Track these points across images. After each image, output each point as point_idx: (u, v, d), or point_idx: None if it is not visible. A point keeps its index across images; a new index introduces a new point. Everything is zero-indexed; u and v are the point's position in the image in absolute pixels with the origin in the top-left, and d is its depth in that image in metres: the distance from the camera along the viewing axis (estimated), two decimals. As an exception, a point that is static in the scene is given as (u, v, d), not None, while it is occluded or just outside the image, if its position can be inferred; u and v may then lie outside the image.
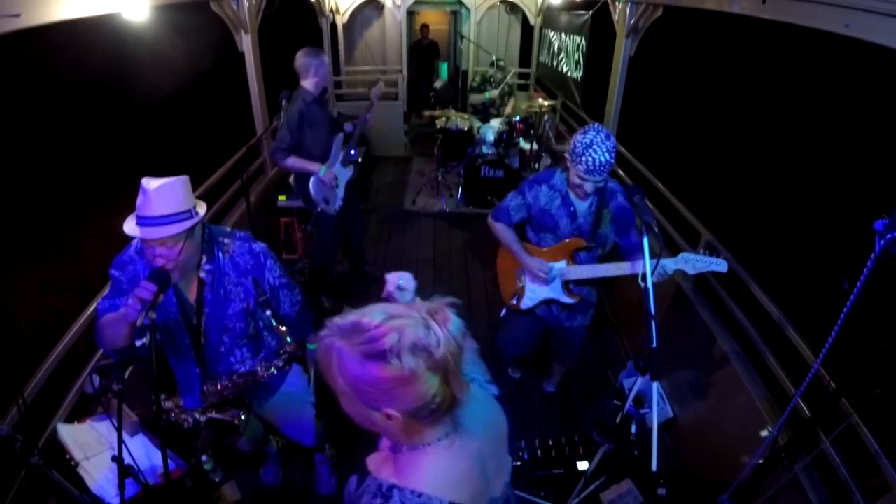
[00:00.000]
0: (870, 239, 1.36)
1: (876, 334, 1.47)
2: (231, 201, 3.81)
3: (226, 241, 1.71)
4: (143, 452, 1.84)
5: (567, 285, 2.33)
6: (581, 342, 2.68)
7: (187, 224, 1.50)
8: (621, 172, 4.16)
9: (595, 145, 1.90)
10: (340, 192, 3.46)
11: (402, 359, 0.77)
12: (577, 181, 2.02)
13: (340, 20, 6.86)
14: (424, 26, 8.22)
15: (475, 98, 6.25)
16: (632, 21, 3.88)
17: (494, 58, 6.11)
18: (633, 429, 2.09)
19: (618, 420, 1.86)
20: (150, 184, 1.46)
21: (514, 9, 7.53)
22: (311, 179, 3.24)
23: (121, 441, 1.36)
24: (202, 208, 1.60)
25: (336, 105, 6.94)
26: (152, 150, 3.37)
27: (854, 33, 1.78)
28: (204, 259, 1.66)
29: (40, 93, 2.54)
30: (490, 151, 5.39)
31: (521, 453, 2.68)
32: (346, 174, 3.49)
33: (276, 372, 1.87)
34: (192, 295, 1.69)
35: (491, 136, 5.39)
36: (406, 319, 0.80)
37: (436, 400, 0.82)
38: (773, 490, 1.94)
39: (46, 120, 2.56)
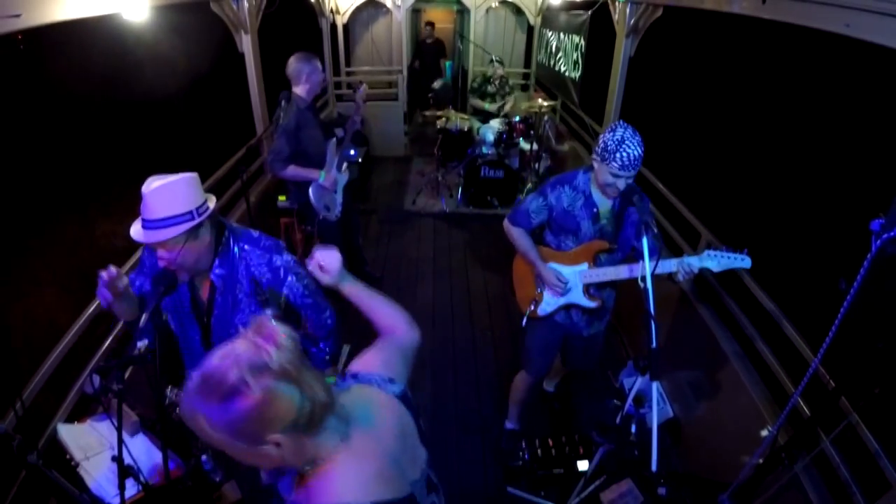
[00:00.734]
0: (867, 239, 1.36)
1: (873, 334, 1.47)
2: (231, 201, 3.81)
3: (246, 247, 1.64)
4: (143, 452, 1.84)
5: (587, 289, 2.26)
6: (600, 349, 2.62)
7: (184, 227, 1.45)
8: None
9: (627, 140, 1.90)
10: (339, 197, 3.45)
11: (251, 384, 0.79)
12: (611, 179, 1.98)
13: (340, 20, 6.86)
14: (429, 23, 7.96)
15: (475, 102, 6.26)
16: (632, 21, 3.88)
17: (493, 57, 6.11)
18: (633, 429, 2.08)
19: (618, 420, 1.86)
20: (150, 185, 1.43)
21: (515, 10, 7.54)
22: (312, 187, 3.20)
23: (121, 441, 1.36)
24: (212, 203, 1.55)
25: (336, 105, 6.95)
26: (154, 149, 3.37)
27: (854, 33, 1.78)
28: (217, 262, 1.61)
29: (41, 93, 2.54)
30: (490, 152, 5.39)
31: (521, 453, 2.68)
32: (342, 178, 3.48)
33: None
34: (205, 294, 1.67)
35: (491, 137, 5.40)
36: (237, 349, 0.83)
37: (306, 407, 0.84)
38: (773, 490, 1.94)
39: (49, 119, 2.57)
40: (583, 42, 5.19)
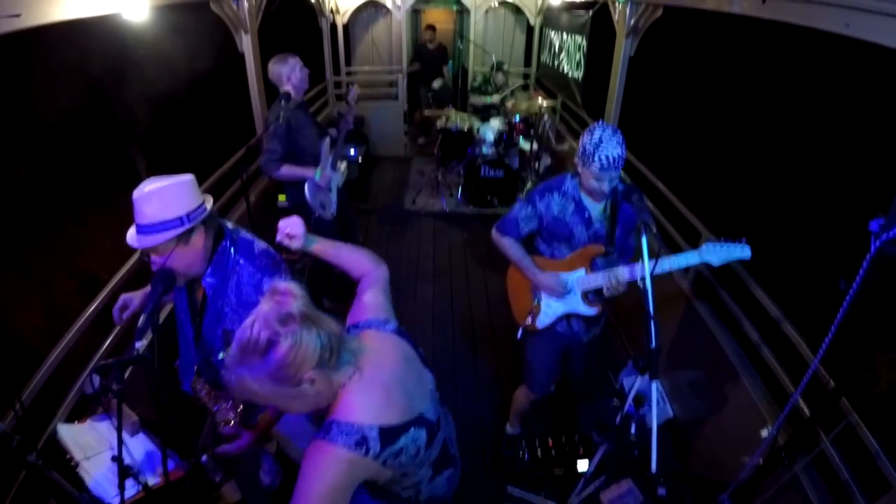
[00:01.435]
0: (866, 239, 1.36)
1: (873, 334, 1.47)
2: (231, 201, 3.81)
3: (241, 261, 1.58)
4: (143, 452, 1.84)
5: (586, 295, 2.19)
6: (590, 354, 2.57)
7: (172, 233, 1.42)
8: (622, 172, 4.16)
9: (604, 142, 1.86)
10: (334, 195, 3.45)
11: (282, 333, 0.97)
12: (594, 183, 1.95)
13: (340, 20, 6.86)
14: (431, 27, 7.36)
15: (476, 99, 6.25)
16: (632, 21, 3.88)
17: (495, 59, 6.11)
18: (633, 429, 2.08)
19: (618, 420, 1.86)
20: (141, 189, 1.41)
21: (515, 10, 7.53)
22: (307, 185, 3.19)
23: (121, 441, 1.36)
24: (209, 203, 1.52)
25: (336, 105, 6.95)
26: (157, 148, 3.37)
27: (854, 33, 1.78)
28: (209, 270, 1.57)
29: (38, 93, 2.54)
30: (490, 151, 5.39)
31: (521, 453, 2.68)
32: (337, 177, 3.48)
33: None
34: (199, 296, 1.66)
35: (491, 136, 5.40)
36: (261, 312, 1.00)
37: (325, 342, 1.03)
38: (773, 490, 1.94)
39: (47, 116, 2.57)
40: (584, 42, 5.19)
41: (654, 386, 1.60)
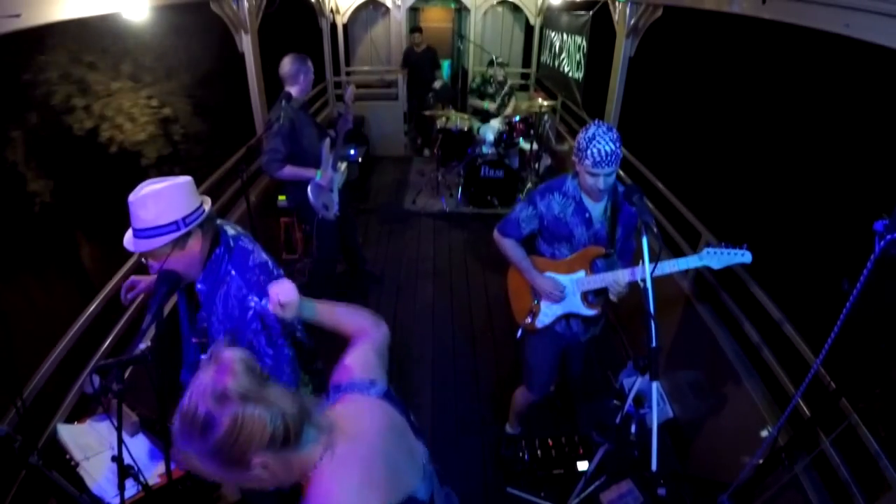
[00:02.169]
0: (870, 240, 1.36)
1: (876, 335, 1.47)
2: (231, 201, 3.81)
3: (233, 272, 1.52)
4: (143, 452, 1.84)
5: (586, 297, 2.19)
6: (589, 354, 2.58)
7: (167, 238, 1.39)
8: (621, 172, 4.16)
9: (598, 137, 1.87)
10: (335, 196, 3.45)
11: (216, 413, 0.84)
12: (590, 180, 1.94)
13: (340, 20, 6.86)
14: (416, 29, 6.82)
15: (474, 102, 6.25)
16: (632, 21, 3.88)
17: (493, 57, 6.11)
18: (633, 429, 2.08)
19: (618, 420, 1.86)
20: (137, 192, 1.38)
21: (514, 8, 7.53)
22: (310, 186, 3.19)
23: (121, 441, 1.36)
24: (207, 205, 1.49)
25: (336, 105, 6.95)
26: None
27: (854, 33, 1.78)
28: (202, 276, 1.53)
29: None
30: (490, 151, 5.39)
31: (521, 453, 2.68)
32: (338, 177, 3.49)
33: None
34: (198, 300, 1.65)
35: (491, 136, 5.40)
36: (200, 382, 0.87)
37: (277, 422, 0.87)
38: (774, 490, 1.94)
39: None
40: (584, 43, 5.19)
41: (655, 386, 1.60)
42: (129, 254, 1.83)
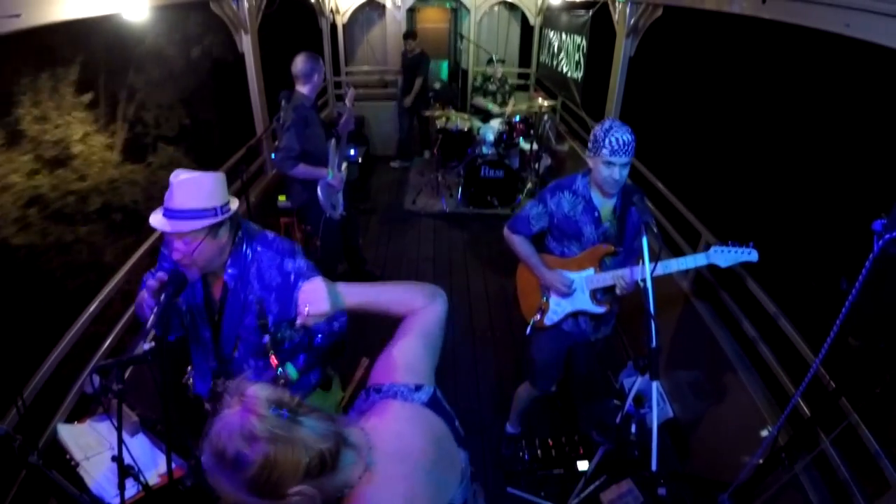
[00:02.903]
0: (869, 239, 1.36)
1: (875, 334, 1.47)
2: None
3: (259, 248, 1.62)
4: (144, 452, 1.83)
5: (594, 294, 2.22)
6: (595, 355, 2.59)
7: (207, 221, 1.45)
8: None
9: (615, 128, 1.90)
10: (341, 195, 3.47)
11: (247, 453, 0.80)
12: (605, 171, 1.95)
13: (340, 20, 6.86)
14: (408, 35, 6.39)
15: (478, 101, 6.24)
16: (632, 21, 3.88)
17: (493, 56, 6.11)
18: (633, 429, 2.08)
19: (618, 420, 1.86)
20: (178, 176, 1.43)
21: (513, 8, 7.53)
22: (320, 186, 3.19)
23: (121, 441, 1.36)
24: (234, 204, 1.55)
25: (336, 105, 6.95)
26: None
27: (854, 33, 1.78)
28: (229, 261, 1.59)
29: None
30: (490, 151, 5.39)
31: (521, 453, 2.68)
32: (343, 177, 3.50)
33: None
34: (217, 293, 1.66)
35: (491, 137, 5.40)
36: (229, 419, 0.82)
37: (313, 455, 0.83)
38: (774, 490, 1.94)
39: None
40: (584, 42, 5.19)
41: (655, 386, 1.60)
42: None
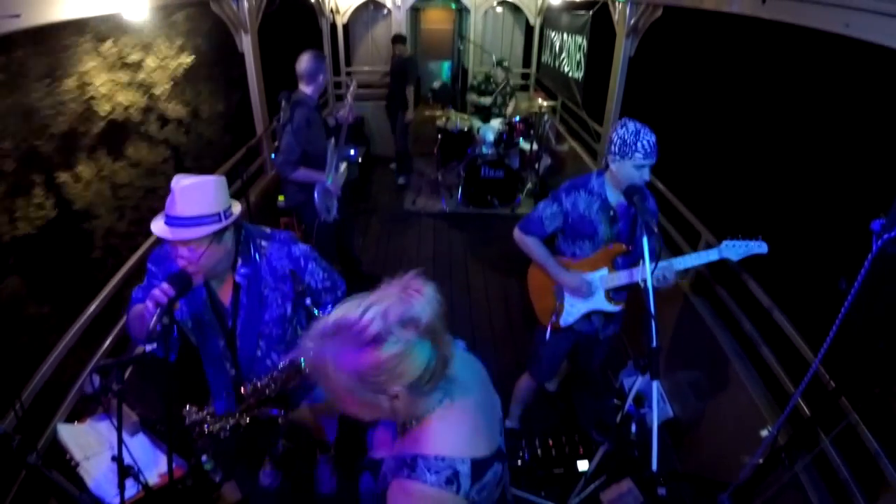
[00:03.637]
0: (868, 239, 1.36)
1: (874, 334, 1.47)
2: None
3: (263, 243, 1.65)
4: (144, 452, 1.84)
5: (608, 293, 2.23)
6: (609, 349, 2.61)
7: (212, 228, 1.44)
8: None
9: (642, 130, 1.92)
10: (336, 200, 3.45)
11: (395, 335, 0.82)
12: (634, 173, 1.96)
13: (340, 20, 6.86)
14: (398, 38, 5.91)
15: (473, 99, 6.25)
16: (632, 21, 3.88)
17: (495, 59, 6.11)
18: (633, 429, 2.08)
19: (618, 420, 1.86)
20: (179, 182, 1.41)
21: (514, 9, 7.53)
22: (316, 189, 3.18)
23: (121, 441, 1.36)
24: (237, 208, 1.55)
25: (336, 105, 6.95)
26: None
27: (854, 33, 1.78)
28: (240, 262, 1.60)
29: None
30: (490, 151, 5.39)
31: (521, 453, 2.68)
32: (340, 179, 3.48)
33: None
34: (226, 298, 1.66)
35: (491, 137, 5.40)
36: (384, 301, 0.84)
37: (432, 364, 0.87)
38: (774, 490, 1.94)
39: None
40: (585, 42, 5.19)
41: (655, 386, 1.60)
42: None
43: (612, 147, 1.99)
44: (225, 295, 1.66)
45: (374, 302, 0.84)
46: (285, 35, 4.72)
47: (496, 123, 5.59)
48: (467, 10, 7.27)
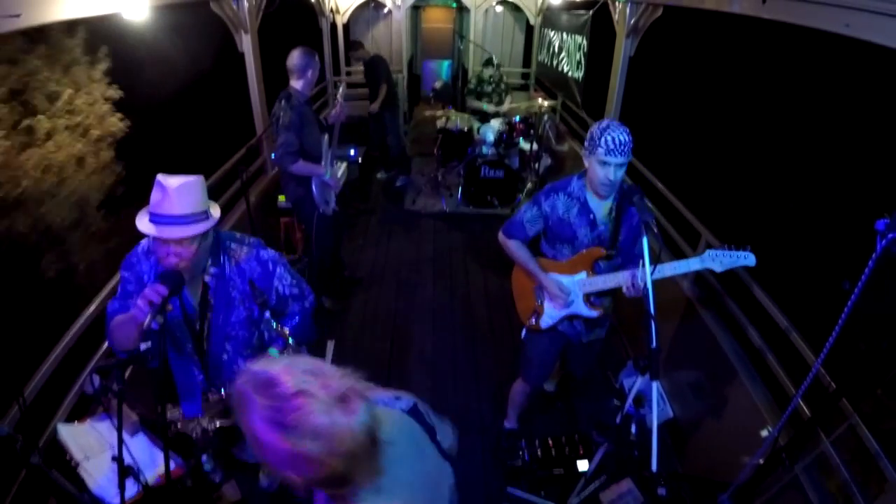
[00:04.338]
0: (871, 239, 1.36)
1: (877, 335, 1.47)
2: (231, 201, 3.81)
3: (233, 246, 1.67)
4: (144, 452, 1.83)
5: (588, 298, 2.21)
6: (597, 354, 2.60)
7: (206, 225, 1.47)
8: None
9: (611, 127, 1.88)
10: (334, 193, 3.48)
11: (302, 440, 0.74)
12: (600, 171, 1.92)
13: (340, 20, 6.86)
14: (353, 45, 5.91)
15: (473, 103, 6.25)
16: (632, 21, 3.88)
17: (491, 56, 6.10)
18: (633, 429, 2.07)
19: (618, 420, 1.86)
20: (170, 181, 1.42)
21: (514, 8, 7.54)
22: (314, 182, 3.22)
23: (121, 441, 1.36)
24: (216, 210, 1.56)
25: (336, 105, 6.93)
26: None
27: (854, 33, 1.78)
28: (210, 262, 1.61)
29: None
30: (490, 151, 5.39)
31: (521, 453, 2.68)
32: (340, 179, 3.52)
33: None
34: (196, 299, 1.66)
35: (491, 136, 5.40)
36: (315, 398, 0.76)
37: (338, 478, 0.79)
38: (774, 490, 1.94)
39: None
40: (585, 42, 5.18)
41: (655, 386, 1.60)
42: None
43: (585, 141, 1.98)
44: (195, 296, 1.66)
45: (306, 392, 0.76)
46: (285, 35, 4.72)
47: (496, 123, 5.59)
48: (467, 10, 7.28)
